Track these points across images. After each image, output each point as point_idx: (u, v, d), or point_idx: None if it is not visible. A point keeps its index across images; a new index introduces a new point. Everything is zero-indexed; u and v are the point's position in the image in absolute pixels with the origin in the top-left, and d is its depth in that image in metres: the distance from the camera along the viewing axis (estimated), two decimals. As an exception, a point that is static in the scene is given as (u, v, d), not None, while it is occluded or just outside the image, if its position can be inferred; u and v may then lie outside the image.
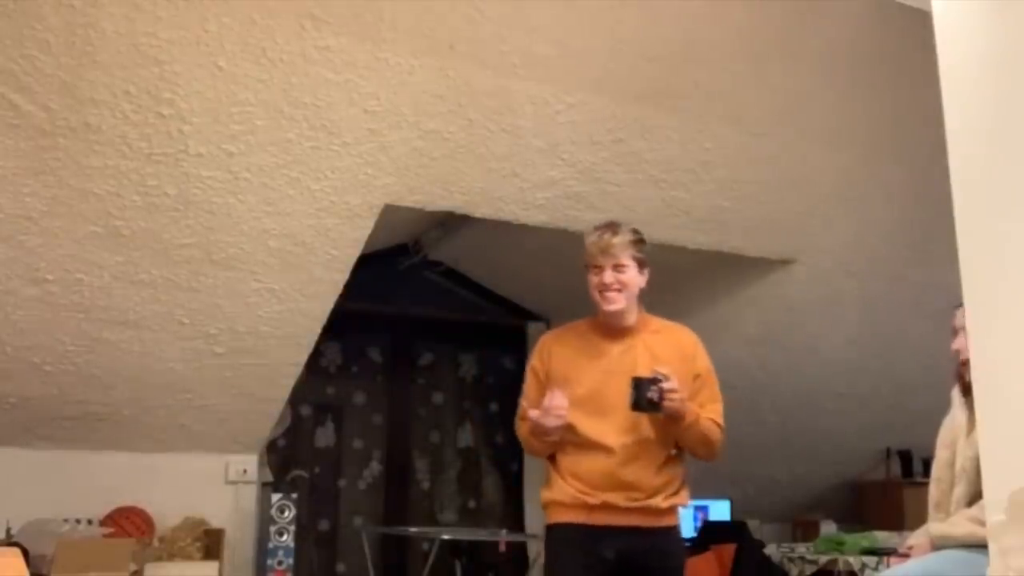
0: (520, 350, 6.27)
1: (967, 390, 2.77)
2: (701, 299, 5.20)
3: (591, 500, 2.78)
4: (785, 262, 4.81)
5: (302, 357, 4.34)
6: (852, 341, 5.30)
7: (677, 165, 4.04)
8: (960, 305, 2.71)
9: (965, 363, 2.71)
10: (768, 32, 3.59)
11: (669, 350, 2.86)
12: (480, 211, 4.01)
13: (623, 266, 2.84)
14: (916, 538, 2.83)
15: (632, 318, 2.90)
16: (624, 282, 2.84)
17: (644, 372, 2.75)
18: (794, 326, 5.19)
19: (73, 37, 2.93)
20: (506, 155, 3.76)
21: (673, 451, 2.86)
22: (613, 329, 2.90)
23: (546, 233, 4.26)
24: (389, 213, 3.86)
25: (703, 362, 2.91)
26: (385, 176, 3.65)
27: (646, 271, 2.90)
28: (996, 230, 1.53)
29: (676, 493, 2.85)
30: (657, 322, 2.96)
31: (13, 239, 3.42)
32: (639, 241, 2.90)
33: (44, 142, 3.17)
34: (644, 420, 2.77)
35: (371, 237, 3.92)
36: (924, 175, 4.17)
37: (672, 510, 2.85)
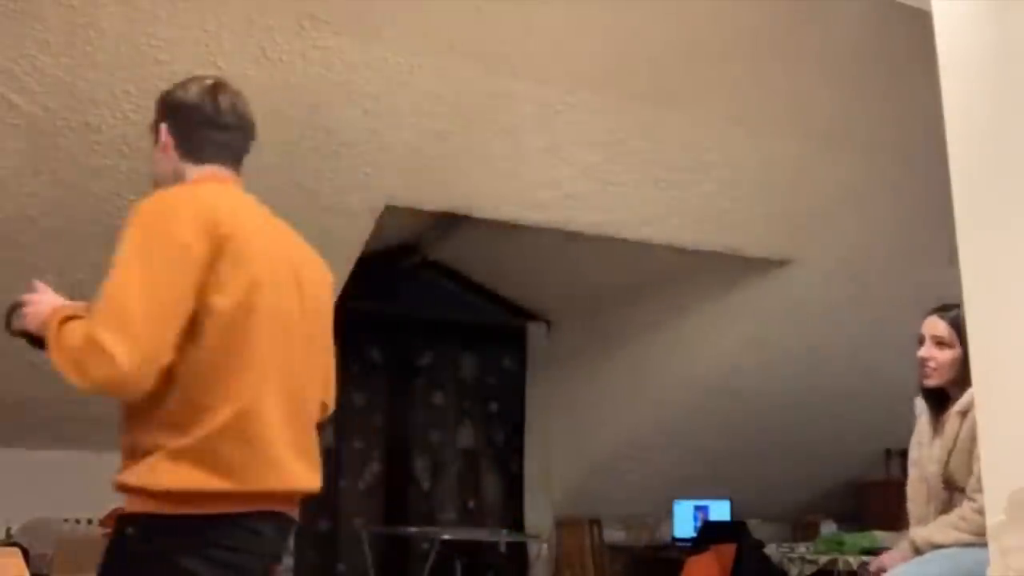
0: (520, 350, 6.26)
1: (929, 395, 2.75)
2: (701, 299, 5.20)
3: None
4: (785, 262, 4.81)
5: (302, 357, 4.34)
6: (852, 341, 5.30)
7: (677, 165, 4.04)
8: (934, 311, 2.71)
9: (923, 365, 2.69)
10: (768, 32, 3.59)
11: None
12: (480, 211, 4.01)
13: (155, 135, 2.00)
14: (894, 553, 2.82)
15: None
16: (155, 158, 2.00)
17: None
18: (794, 326, 5.18)
19: (73, 37, 2.93)
20: (506, 155, 3.76)
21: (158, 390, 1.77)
22: None
23: (546, 233, 4.25)
24: (389, 213, 3.85)
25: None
26: (385, 176, 3.65)
27: (163, 136, 1.99)
28: (996, 230, 1.53)
29: (127, 467, 1.80)
30: None
31: (13, 239, 3.42)
32: (162, 98, 2.02)
33: (44, 142, 3.17)
34: None
35: (371, 237, 3.92)
36: (924, 175, 4.16)
37: (124, 491, 1.78)
